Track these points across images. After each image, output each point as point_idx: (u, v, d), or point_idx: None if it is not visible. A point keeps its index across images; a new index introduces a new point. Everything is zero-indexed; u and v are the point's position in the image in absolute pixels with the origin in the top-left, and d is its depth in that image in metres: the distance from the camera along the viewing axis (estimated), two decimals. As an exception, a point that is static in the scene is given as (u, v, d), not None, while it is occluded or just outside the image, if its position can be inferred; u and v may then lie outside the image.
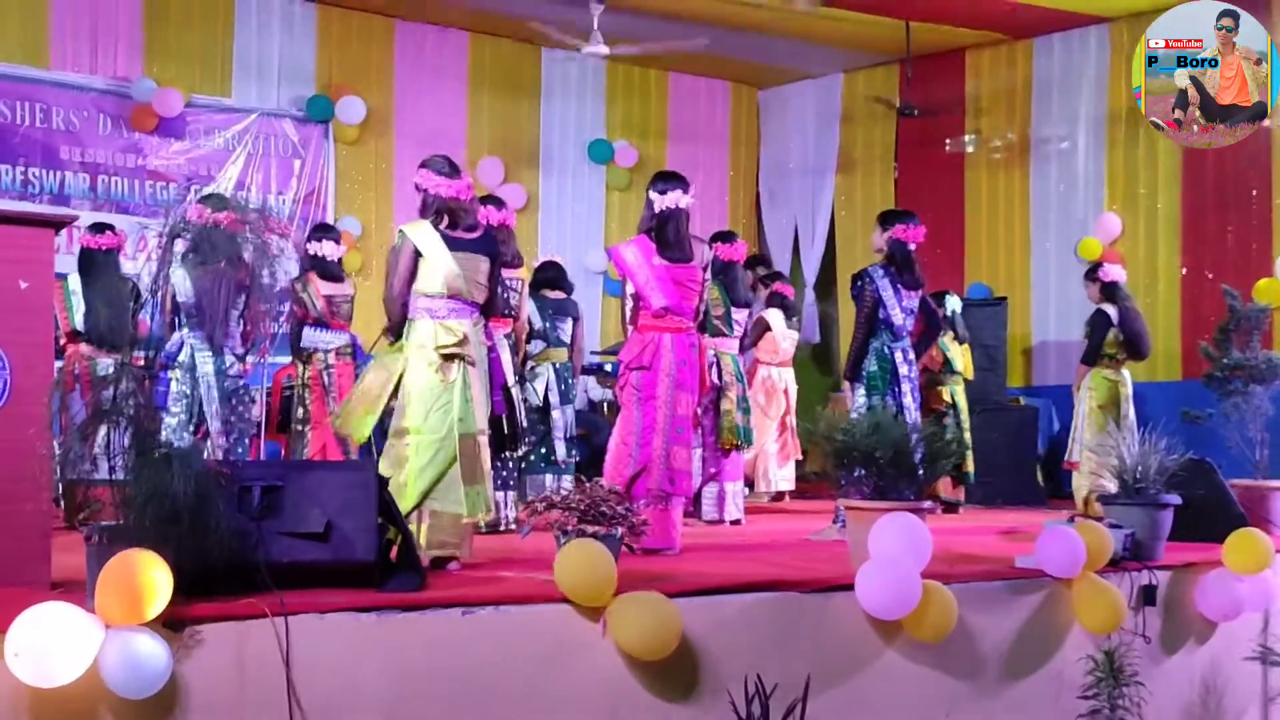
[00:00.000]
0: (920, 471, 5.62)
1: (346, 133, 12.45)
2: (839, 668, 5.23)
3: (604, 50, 10.91)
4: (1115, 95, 12.21)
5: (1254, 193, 11.43)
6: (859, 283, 7.69)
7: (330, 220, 12.26)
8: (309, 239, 8.74)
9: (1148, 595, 6.20)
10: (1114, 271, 9.24)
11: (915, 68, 13.08)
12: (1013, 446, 10.91)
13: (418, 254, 5.77)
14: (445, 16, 12.80)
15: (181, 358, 7.06)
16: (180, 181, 11.62)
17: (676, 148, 14.57)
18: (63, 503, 6.57)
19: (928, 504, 5.80)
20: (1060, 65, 12.66)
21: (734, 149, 15.01)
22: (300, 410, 8.68)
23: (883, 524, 5.33)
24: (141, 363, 4.47)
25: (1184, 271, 11.80)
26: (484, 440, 5.80)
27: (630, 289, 6.54)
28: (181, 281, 6.82)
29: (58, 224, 4.78)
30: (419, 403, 5.68)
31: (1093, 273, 9.36)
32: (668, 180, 6.58)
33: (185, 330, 7.11)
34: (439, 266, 5.74)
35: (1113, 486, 6.73)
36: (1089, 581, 5.89)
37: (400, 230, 5.94)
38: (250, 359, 7.19)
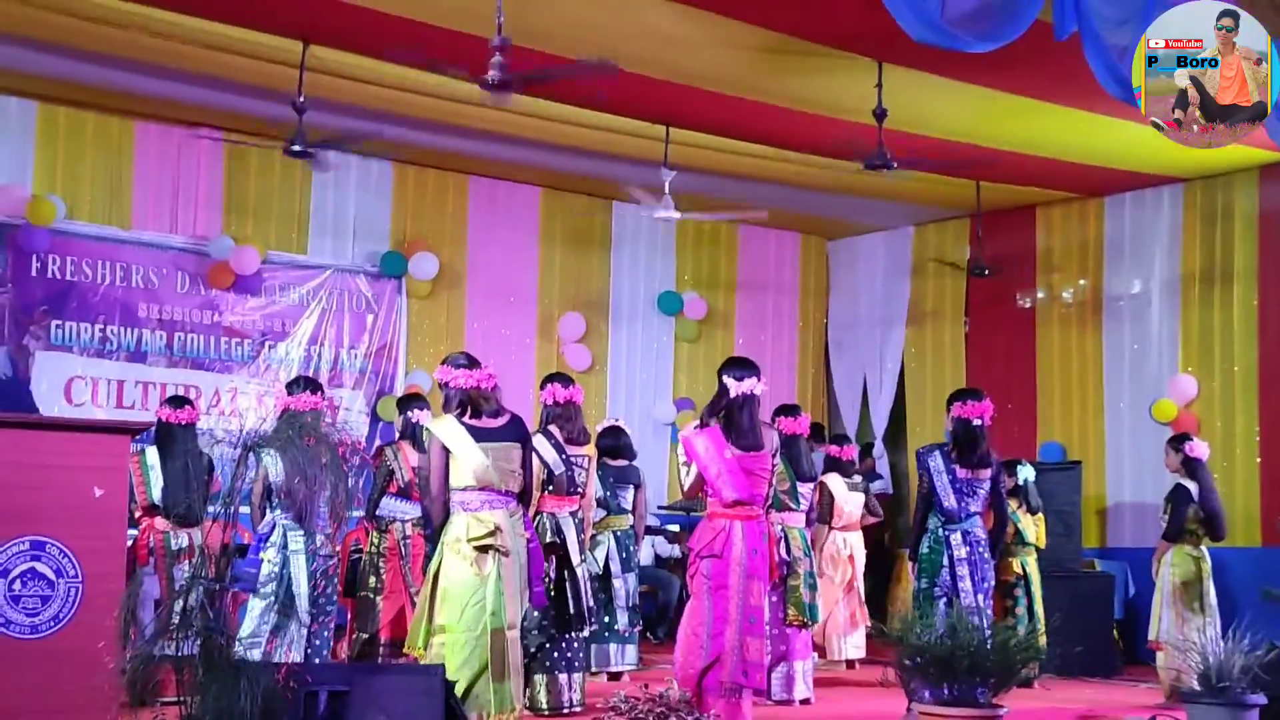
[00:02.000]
0: (992, 679, 5.48)
1: (419, 288, 12.60)
2: None
3: (675, 215, 11.00)
4: (1189, 255, 12.14)
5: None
6: (919, 462, 7.61)
7: (401, 374, 12.38)
8: (405, 408, 8.75)
9: (1234, 801, 5.99)
10: (1200, 448, 9.07)
11: (985, 222, 13.07)
12: (1088, 614, 10.63)
13: (446, 450, 5.78)
14: (517, 173, 12.98)
15: (274, 538, 7.10)
16: (255, 337, 11.77)
17: (746, 298, 14.63)
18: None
19: (1004, 709, 5.66)
20: (1132, 223, 12.60)
21: (803, 299, 15.03)
22: (373, 579, 8.66)
23: (957, 734, 5.20)
24: (214, 571, 4.48)
25: (1262, 436, 11.59)
26: (514, 635, 5.73)
27: (694, 468, 6.48)
28: (273, 464, 6.86)
29: (134, 431, 4.82)
30: (455, 599, 5.66)
31: (1178, 443, 9.17)
32: (743, 367, 6.55)
33: (277, 511, 7.15)
34: (467, 459, 5.74)
35: (1195, 683, 6.53)
36: (1173, 791, 5.71)
37: (425, 429, 5.97)
38: (336, 539, 7.22)
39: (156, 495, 7.98)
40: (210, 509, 4.67)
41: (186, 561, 7.63)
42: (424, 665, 5.53)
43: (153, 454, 8.09)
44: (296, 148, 9.31)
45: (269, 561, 6.99)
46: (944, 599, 7.22)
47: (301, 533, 7.04)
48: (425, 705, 4.86)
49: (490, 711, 5.57)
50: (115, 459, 4.66)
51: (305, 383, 7.51)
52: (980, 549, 7.52)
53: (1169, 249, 12.34)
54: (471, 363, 5.92)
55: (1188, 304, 12.18)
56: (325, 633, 7.16)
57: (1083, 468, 12.09)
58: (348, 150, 11.36)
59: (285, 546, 7.04)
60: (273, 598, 6.92)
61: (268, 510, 7.18)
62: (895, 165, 9.53)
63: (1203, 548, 9.00)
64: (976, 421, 7.58)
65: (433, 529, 5.95)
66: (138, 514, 8.05)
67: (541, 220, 13.52)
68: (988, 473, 7.58)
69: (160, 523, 7.97)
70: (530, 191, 13.40)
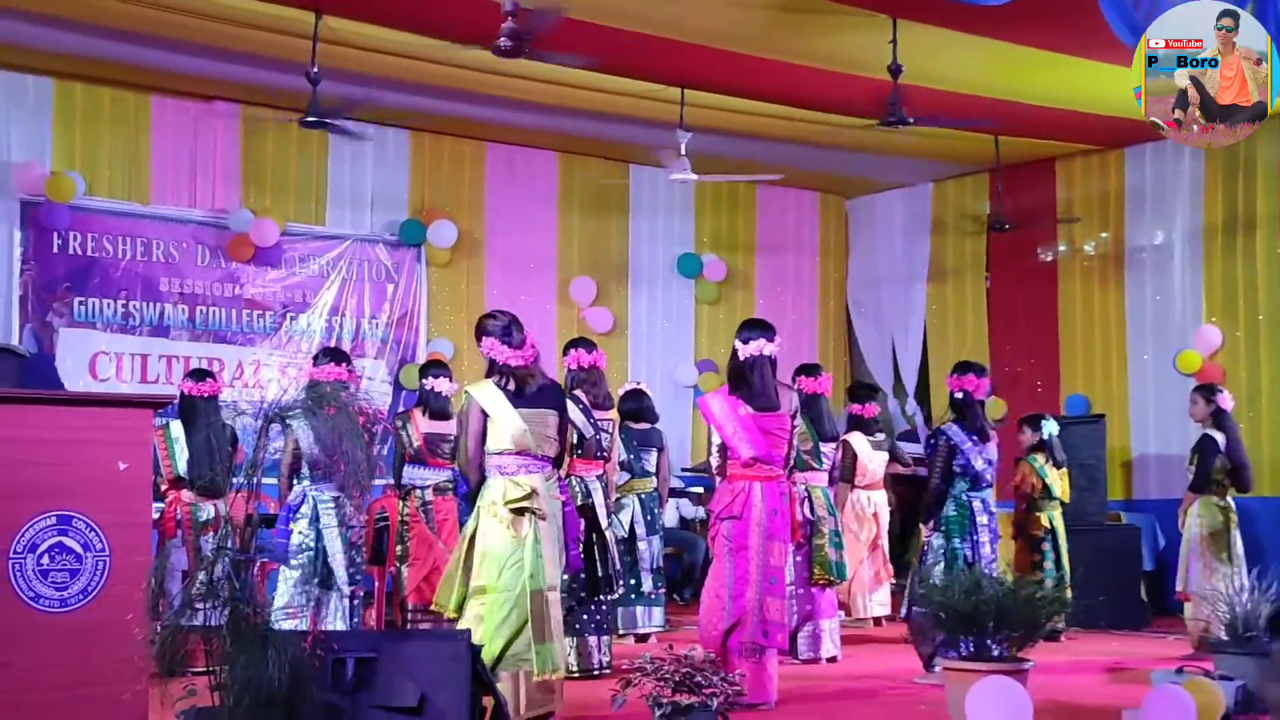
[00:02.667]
0: (1018, 633, 5.49)
1: (438, 256, 12.62)
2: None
3: (692, 177, 10.97)
4: (1211, 205, 12.05)
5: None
6: (933, 441, 7.56)
7: (423, 342, 12.41)
8: (423, 375, 8.78)
9: (1261, 751, 5.99)
10: (1227, 399, 9.05)
11: (1005, 177, 13.00)
12: (1114, 566, 10.62)
13: (484, 414, 5.80)
14: (534, 138, 12.96)
15: (304, 509, 7.14)
16: (276, 309, 11.81)
17: (765, 259, 14.61)
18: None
19: (1029, 663, 5.67)
20: (1153, 174, 12.50)
21: (823, 259, 14.99)
22: (400, 547, 8.70)
23: (980, 689, 5.21)
24: (240, 542, 4.50)
25: (1288, 384, 11.55)
26: (554, 597, 5.76)
27: (717, 440, 6.53)
28: (304, 433, 6.89)
29: (156, 404, 4.84)
30: (493, 560, 5.69)
31: (1210, 393, 9.12)
32: (751, 329, 6.58)
33: (307, 482, 7.19)
34: (505, 424, 5.77)
35: (1222, 633, 6.53)
36: (1200, 741, 5.70)
37: (465, 391, 5.99)
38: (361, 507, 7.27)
39: (182, 468, 8.05)
40: (235, 480, 4.67)
41: (213, 533, 7.70)
42: (451, 630, 5.56)
43: (177, 427, 8.16)
44: (311, 119, 9.30)
45: (300, 533, 7.04)
46: (963, 559, 7.23)
47: (333, 505, 7.08)
48: (453, 670, 4.87)
49: (534, 671, 5.60)
50: (139, 432, 4.67)
51: (331, 353, 7.56)
52: (994, 520, 7.54)
53: (1190, 199, 12.25)
54: (513, 333, 5.87)
55: (1210, 254, 12.10)
56: (355, 602, 7.22)
57: (1107, 421, 12.05)
58: (364, 120, 11.35)
59: (316, 519, 7.08)
60: (308, 569, 6.98)
61: (296, 481, 7.23)
62: (911, 121, 9.48)
63: (1229, 498, 8.99)
64: (959, 395, 7.55)
65: (468, 491, 5.99)
66: (164, 487, 8.12)
67: (560, 185, 13.51)
68: (993, 446, 7.55)
69: (186, 495, 8.04)
70: (547, 157, 13.39)
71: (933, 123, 10.45)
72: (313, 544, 7.03)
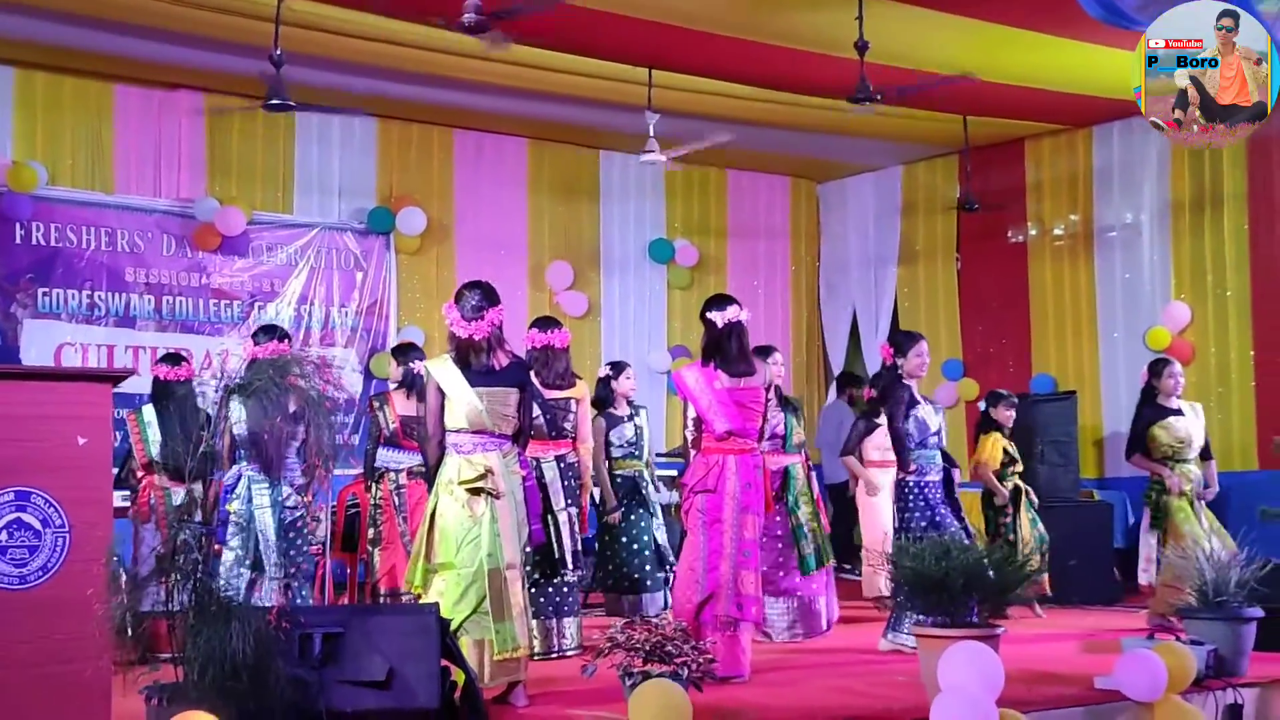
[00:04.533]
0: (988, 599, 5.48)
1: (407, 243, 12.55)
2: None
3: (660, 158, 10.93)
4: (1178, 182, 12.08)
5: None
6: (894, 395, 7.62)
7: (393, 330, 12.34)
8: (404, 358, 8.67)
9: (1234, 715, 6.00)
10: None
11: (974, 158, 13.00)
12: (1087, 543, 10.65)
13: (441, 391, 5.76)
14: (503, 124, 12.90)
15: (239, 490, 7.05)
16: (244, 298, 11.72)
17: (737, 244, 14.58)
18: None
19: (1000, 628, 5.66)
20: (1121, 153, 12.54)
21: (794, 243, 14.97)
22: (371, 531, 8.64)
23: (952, 654, 5.19)
24: (201, 515, 4.46)
25: (1256, 360, 11.57)
26: (514, 575, 5.71)
27: (692, 413, 6.52)
28: (238, 413, 6.82)
29: (115, 378, 4.79)
30: (450, 538, 5.66)
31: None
32: (722, 300, 6.62)
33: (243, 463, 7.10)
34: (460, 402, 5.72)
35: (1192, 599, 6.54)
36: (1172, 705, 5.71)
37: (425, 367, 5.94)
38: (312, 489, 7.15)
39: (155, 452, 7.99)
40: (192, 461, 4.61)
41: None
42: (419, 604, 5.53)
43: (149, 411, 8.11)
44: (275, 101, 9.22)
45: (234, 514, 6.93)
46: (927, 526, 7.25)
47: (266, 485, 6.97)
48: (421, 644, 4.85)
49: (494, 651, 5.56)
50: (98, 407, 4.62)
51: (271, 331, 7.47)
52: (953, 484, 7.56)
53: (1158, 177, 12.29)
54: (480, 307, 5.79)
55: (1178, 231, 12.14)
56: (301, 588, 7.09)
57: (1078, 398, 12.09)
58: (329, 108, 11.28)
59: (250, 500, 6.97)
60: (241, 551, 6.87)
61: (234, 460, 7.11)
62: (879, 98, 9.46)
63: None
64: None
65: (429, 469, 5.94)
66: (139, 473, 8.05)
67: (529, 172, 13.44)
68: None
69: (160, 479, 7.96)
70: (517, 143, 13.32)
71: (901, 101, 10.45)
72: (246, 524, 6.93)
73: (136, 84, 11.31)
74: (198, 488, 4.51)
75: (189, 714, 3.96)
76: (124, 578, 4.37)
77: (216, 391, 4.62)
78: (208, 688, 4.16)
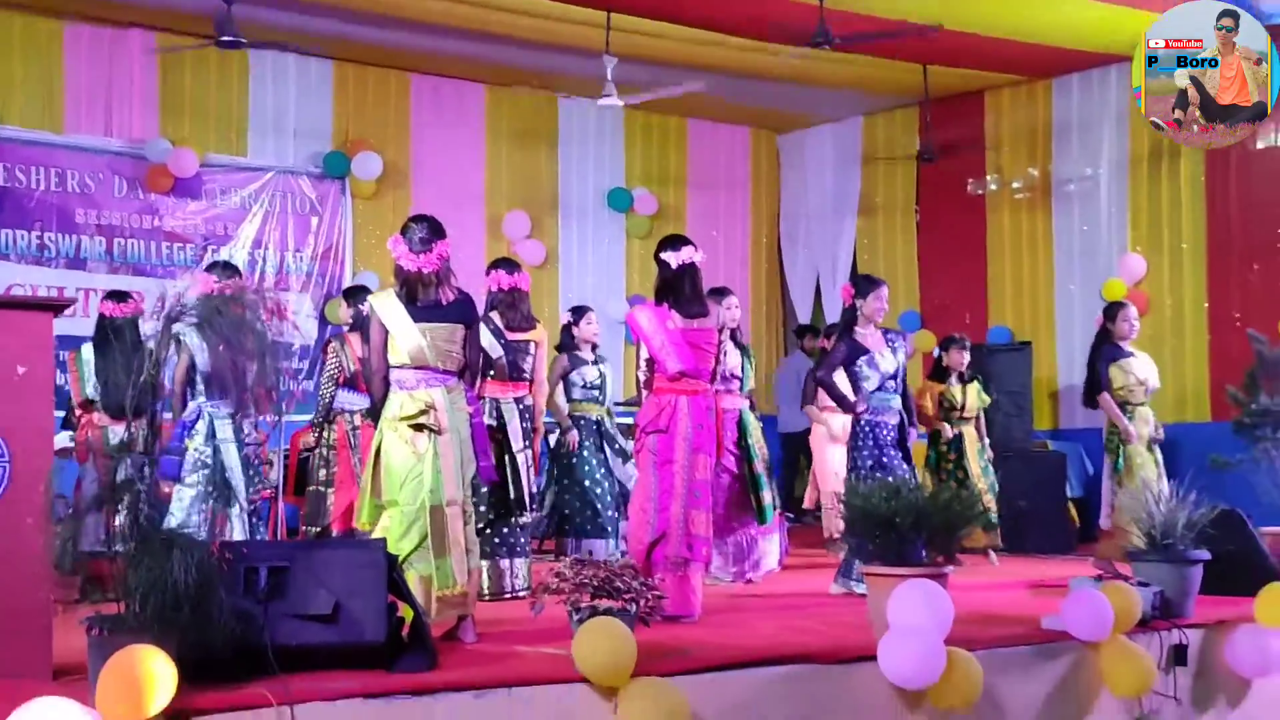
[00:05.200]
0: (936, 538, 5.49)
1: (363, 188, 12.44)
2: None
3: (618, 102, 10.86)
4: (1137, 135, 12.10)
5: (1280, 234, 11.31)
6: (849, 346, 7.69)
7: (348, 276, 12.24)
8: (356, 300, 8.60)
9: (1178, 655, 6.04)
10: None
11: (934, 109, 13.00)
12: (1041, 493, 10.72)
13: (385, 327, 5.69)
14: (461, 69, 12.78)
15: (199, 426, 6.96)
16: (197, 242, 11.60)
17: (696, 194, 14.54)
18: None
19: (949, 568, 5.68)
20: (1080, 105, 12.56)
21: (754, 194, 14.95)
22: (323, 472, 8.58)
23: (902, 592, 5.21)
24: (142, 446, 4.40)
25: (1210, 312, 11.64)
26: (454, 511, 5.63)
27: (645, 354, 6.48)
28: (199, 350, 6.72)
29: (56, 307, 4.71)
30: (394, 474, 5.60)
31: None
32: (677, 240, 6.57)
33: (203, 399, 7.01)
34: (403, 338, 5.64)
35: (1140, 542, 6.57)
36: (1118, 645, 5.75)
37: (369, 302, 5.87)
38: (269, 422, 7.10)
39: (90, 390, 7.88)
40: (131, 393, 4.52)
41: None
42: (366, 540, 5.48)
43: (87, 349, 7.98)
44: (228, 39, 9.09)
45: (195, 449, 6.86)
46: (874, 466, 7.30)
47: (229, 420, 6.91)
48: (368, 578, 4.82)
49: (433, 586, 5.52)
50: (38, 336, 4.53)
51: (223, 267, 7.38)
52: (904, 425, 7.58)
53: (1117, 130, 12.32)
54: (428, 240, 5.71)
55: (1136, 183, 12.19)
56: (256, 519, 7.06)
57: (1033, 349, 12.14)
58: (284, 46, 11.13)
59: (213, 435, 6.90)
60: (204, 486, 6.80)
61: (191, 398, 7.03)
62: (837, 41, 9.41)
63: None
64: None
65: (374, 405, 5.88)
66: (77, 412, 7.95)
67: (488, 118, 13.34)
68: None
69: (97, 417, 7.87)
70: (475, 89, 13.22)
71: (860, 46, 10.39)
72: (209, 460, 6.86)
73: (87, 22, 11.17)
74: (140, 422, 4.41)
75: (131, 649, 3.91)
76: (63, 511, 4.31)
77: (158, 322, 4.50)
78: (149, 618, 4.11)
